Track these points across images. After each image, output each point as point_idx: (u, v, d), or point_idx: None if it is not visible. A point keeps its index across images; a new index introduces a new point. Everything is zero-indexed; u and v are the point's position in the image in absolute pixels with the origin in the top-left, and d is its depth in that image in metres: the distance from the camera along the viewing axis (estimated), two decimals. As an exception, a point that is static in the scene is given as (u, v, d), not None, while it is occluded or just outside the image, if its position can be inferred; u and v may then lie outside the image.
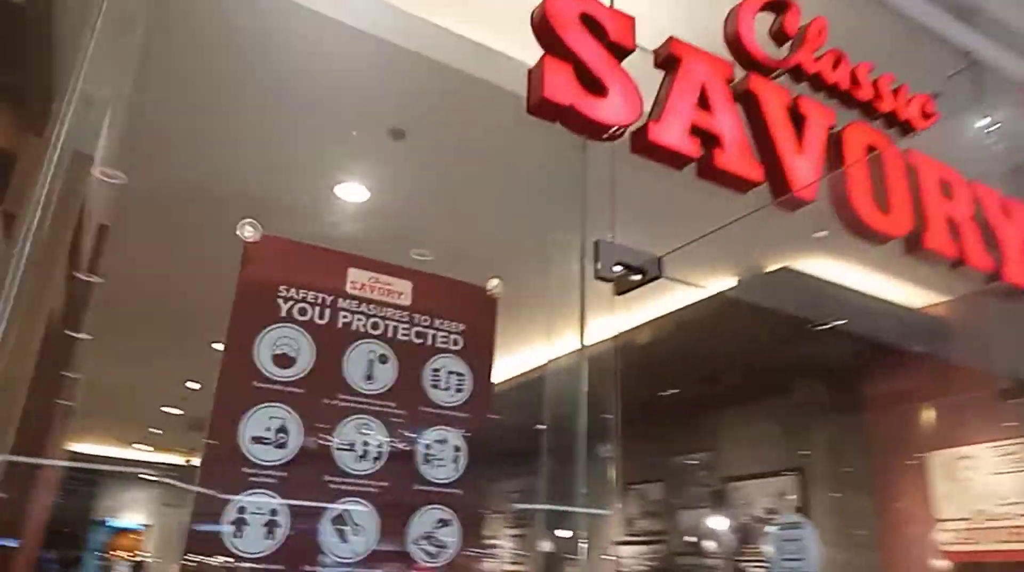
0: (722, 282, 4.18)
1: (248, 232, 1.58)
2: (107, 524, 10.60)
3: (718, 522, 5.36)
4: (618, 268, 2.10)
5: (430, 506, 1.61)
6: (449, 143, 3.14)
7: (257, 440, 1.47)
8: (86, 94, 1.62)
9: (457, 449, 1.68)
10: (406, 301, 1.73)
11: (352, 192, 3.51)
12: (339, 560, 1.47)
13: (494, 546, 7.57)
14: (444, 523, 1.62)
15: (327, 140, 3.18)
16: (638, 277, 2.12)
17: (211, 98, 2.84)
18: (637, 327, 4.76)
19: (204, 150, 3.06)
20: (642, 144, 2.23)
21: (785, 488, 4.93)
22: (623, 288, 2.12)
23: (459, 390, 1.73)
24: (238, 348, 1.51)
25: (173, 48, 2.55)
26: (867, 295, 4.21)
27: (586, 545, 2.03)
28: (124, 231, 3.48)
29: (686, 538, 5.63)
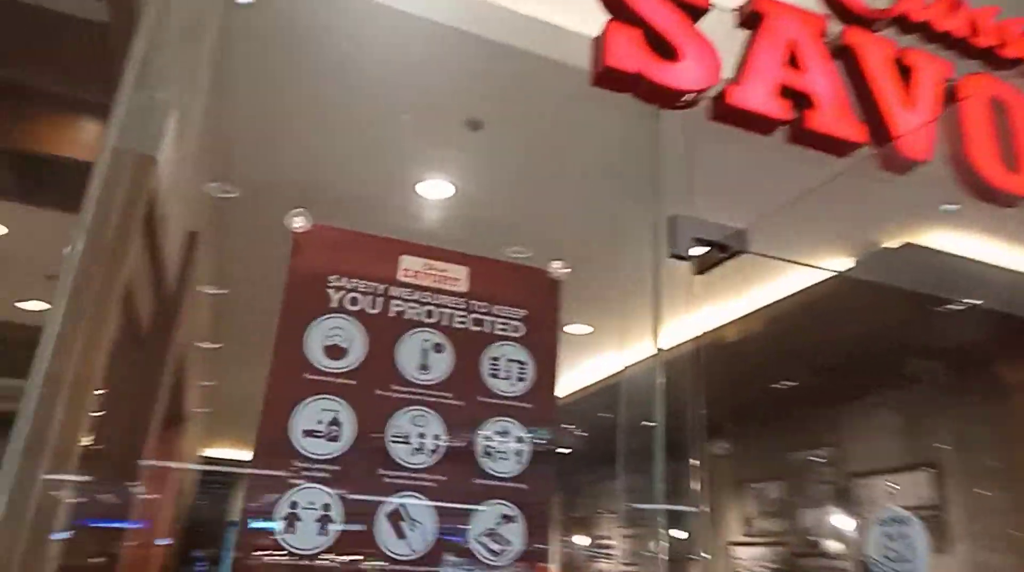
0: (830, 260, 3.86)
1: (297, 222, 1.55)
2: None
3: (843, 521, 4.97)
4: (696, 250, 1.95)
5: (493, 501, 1.53)
6: (525, 129, 3.06)
7: (309, 433, 1.44)
8: (144, 94, 1.65)
9: (520, 441, 1.59)
10: (462, 287, 1.66)
11: (435, 189, 3.49)
12: (396, 556, 1.42)
13: (607, 546, 7.42)
14: (508, 519, 1.53)
15: (407, 135, 3.17)
16: (719, 254, 1.95)
17: (290, 101, 2.89)
18: (747, 315, 4.49)
19: (286, 152, 3.13)
20: (722, 110, 2.06)
21: (918, 484, 4.50)
22: (704, 266, 1.95)
23: (521, 379, 1.64)
24: (288, 340, 1.48)
25: (249, 50, 2.61)
26: (1007, 270, 3.76)
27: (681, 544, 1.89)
28: (229, 237, 3.63)
29: (809, 538, 5.27)
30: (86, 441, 1.50)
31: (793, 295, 4.25)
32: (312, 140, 3.12)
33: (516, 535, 1.52)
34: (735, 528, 6.04)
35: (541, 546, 1.54)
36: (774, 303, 4.32)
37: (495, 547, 1.50)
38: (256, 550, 1.34)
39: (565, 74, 2.31)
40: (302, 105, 2.91)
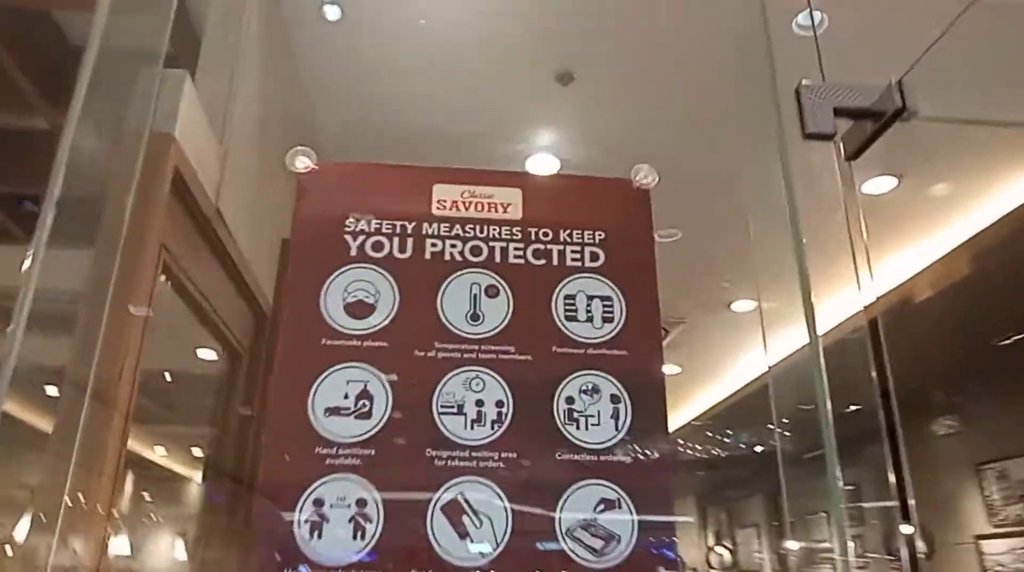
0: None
1: (299, 162, 1.28)
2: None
3: None
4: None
5: (585, 481, 1.13)
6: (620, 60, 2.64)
7: (333, 411, 1.13)
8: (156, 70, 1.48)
9: (616, 400, 1.18)
10: (515, 214, 1.29)
11: (542, 162, 3.15)
12: (458, 564, 1.06)
13: (824, 550, 6.52)
14: (609, 504, 1.12)
15: (505, 99, 2.86)
16: (872, 125, 1.43)
17: (373, 65, 2.66)
18: (953, 250, 3.64)
19: (381, 123, 2.90)
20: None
21: None
22: (855, 146, 1.45)
23: (607, 319, 1.23)
24: (300, 301, 1.20)
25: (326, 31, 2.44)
26: None
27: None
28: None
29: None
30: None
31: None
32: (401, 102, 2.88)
33: (623, 526, 1.11)
34: (978, 518, 5.02)
35: (662, 540, 1.12)
36: (990, 227, 3.41)
37: (595, 543, 1.10)
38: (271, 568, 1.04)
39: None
40: (387, 70, 2.67)
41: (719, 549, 8.27)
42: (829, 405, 1.31)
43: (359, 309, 1.20)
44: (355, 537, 1.06)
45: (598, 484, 1.13)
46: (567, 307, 1.24)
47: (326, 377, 1.15)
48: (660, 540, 1.12)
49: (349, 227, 1.25)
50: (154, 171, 1.53)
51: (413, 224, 1.26)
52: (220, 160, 1.90)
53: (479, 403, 1.15)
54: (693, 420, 7.15)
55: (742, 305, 4.81)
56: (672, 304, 4.89)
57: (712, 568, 8.54)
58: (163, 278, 1.58)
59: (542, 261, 1.26)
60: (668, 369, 6.05)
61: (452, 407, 1.15)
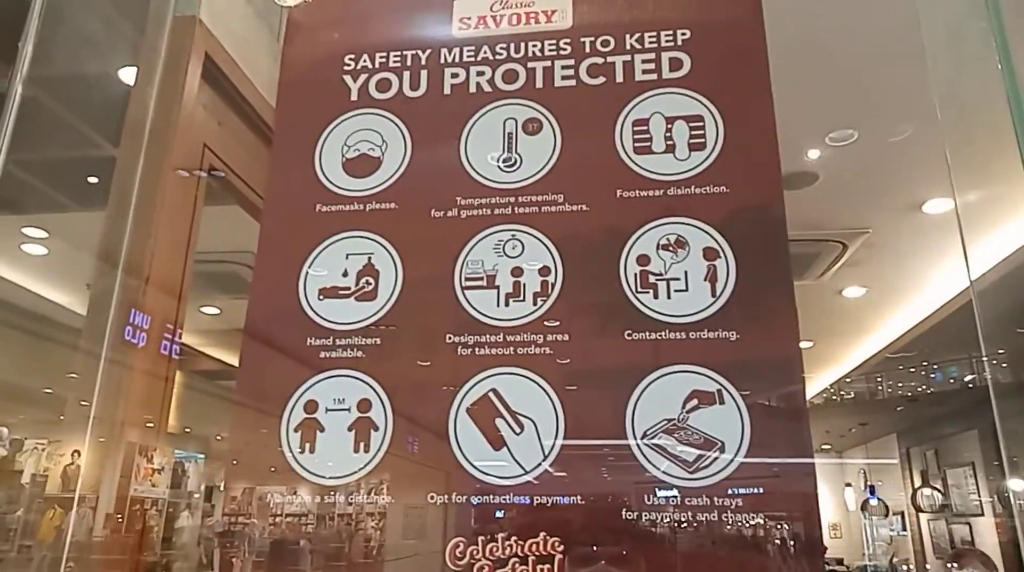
0: None
1: (288, -4, 1.02)
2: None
3: None
4: None
5: (668, 368, 0.79)
6: None
7: (328, 293, 0.88)
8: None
9: (713, 255, 0.83)
10: (563, 22, 0.95)
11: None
12: (492, 480, 0.78)
13: None
14: (704, 400, 0.78)
15: None
16: None
17: None
18: None
19: None
20: None
21: None
22: None
23: (696, 147, 0.87)
24: (289, 161, 0.95)
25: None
26: None
27: None
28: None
29: None
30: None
31: None
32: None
33: (728, 428, 0.77)
34: None
35: (785, 460, 0.76)
36: None
37: (686, 453, 0.77)
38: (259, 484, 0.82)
39: None
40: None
41: (926, 490, 7.36)
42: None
43: (362, 165, 0.93)
44: (357, 449, 0.81)
45: (687, 371, 0.79)
46: (638, 136, 0.88)
47: (321, 251, 0.89)
48: (783, 449, 0.76)
49: (349, 66, 0.98)
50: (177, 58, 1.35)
51: (428, 52, 0.96)
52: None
53: (516, 272, 0.85)
54: (886, 349, 6.31)
55: (937, 204, 4.04)
56: (850, 212, 4.22)
57: (920, 510, 7.65)
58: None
59: (600, 79, 0.92)
60: (851, 291, 5.31)
61: (480, 279, 0.85)
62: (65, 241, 3.49)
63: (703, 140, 0.87)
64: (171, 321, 1.34)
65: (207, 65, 1.39)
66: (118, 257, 1.22)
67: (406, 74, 0.96)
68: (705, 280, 0.82)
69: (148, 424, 1.33)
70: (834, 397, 7.65)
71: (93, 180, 2.68)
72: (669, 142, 0.88)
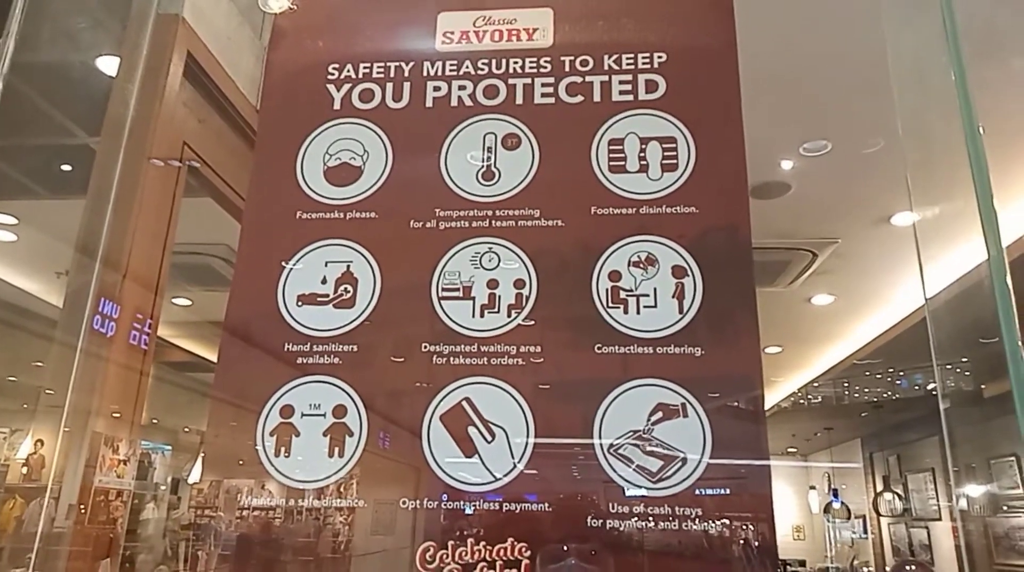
0: None
1: (275, 1, 1.03)
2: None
3: None
4: None
5: (635, 381, 0.82)
6: None
7: (307, 299, 0.89)
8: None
9: (681, 273, 0.86)
10: (543, 40, 0.98)
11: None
12: (463, 487, 0.80)
13: (1014, 498, 5.65)
14: (669, 412, 0.81)
15: None
16: None
17: None
18: None
19: None
20: None
21: None
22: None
23: (668, 167, 0.90)
24: (271, 168, 0.96)
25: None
26: None
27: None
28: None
29: None
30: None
31: None
32: None
33: (690, 441, 0.80)
34: None
35: (746, 462, 0.80)
36: None
37: (650, 463, 0.80)
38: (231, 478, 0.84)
39: None
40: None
41: (887, 495, 7.53)
42: (1018, 332, 0.92)
43: (343, 174, 0.95)
44: (331, 454, 0.83)
45: (653, 385, 0.82)
46: (613, 155, 0.91)
47: (301, 258, 0.91)
48: (742, 458, 0.79)
49: (333, 75, 0.99)
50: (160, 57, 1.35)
51: (411, 64, 0.98)
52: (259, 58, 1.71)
53: (492, 284, 0.87)
54: (853, 355, 6.43)
55: (904, 218, 4.14)
56: (821, 223, 4.30)
57: (881, 515, 7.82)
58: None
59: (578, 98, 0.95)
60: (820, 299, 5.41)
61: (456, 289, 0.88)
62: (36, 228, 3.44)
63: (675, 161, 0.90)
64: (143, 312, 1.35)
65: (189, 63, 1.39)
66: (96, 247, 1.23)
67: (389, 85, 0.98)
68: (673, 297, 0.85)
69: (115, 414, 1.33)
70: (802, 401, 7.76)
71: (66, 168, 2.65)
72: (643, 162, 0.91)
